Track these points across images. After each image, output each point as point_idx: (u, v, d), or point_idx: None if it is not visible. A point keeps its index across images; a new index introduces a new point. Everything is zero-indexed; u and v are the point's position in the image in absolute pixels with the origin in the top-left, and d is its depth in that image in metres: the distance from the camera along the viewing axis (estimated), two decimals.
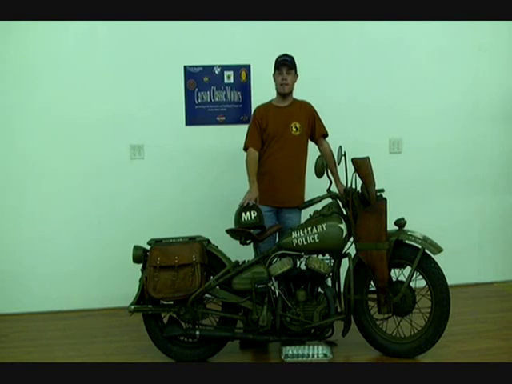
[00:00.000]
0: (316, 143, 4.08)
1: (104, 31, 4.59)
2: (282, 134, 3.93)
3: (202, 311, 3.56)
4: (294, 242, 3.54)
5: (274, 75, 3.98)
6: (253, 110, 4.20)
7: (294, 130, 3.95)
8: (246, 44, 4.73)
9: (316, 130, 4.03)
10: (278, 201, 3.96)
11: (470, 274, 5.09)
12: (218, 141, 4.75)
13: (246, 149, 3.99)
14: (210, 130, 4.77)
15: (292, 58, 3.95)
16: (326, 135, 4.07)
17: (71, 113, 4.60)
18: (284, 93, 3.94)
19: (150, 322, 3.60)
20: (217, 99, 4.77)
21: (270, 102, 4.06)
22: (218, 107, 4.77)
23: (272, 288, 3.55)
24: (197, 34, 4.67)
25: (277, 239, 3.90)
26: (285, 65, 3.89)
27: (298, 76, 3.99)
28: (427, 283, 3.49)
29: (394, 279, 3.56)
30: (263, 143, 3.97)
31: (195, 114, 4.75)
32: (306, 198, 3.96)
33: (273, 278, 3.56)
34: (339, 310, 3.58)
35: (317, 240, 3.50)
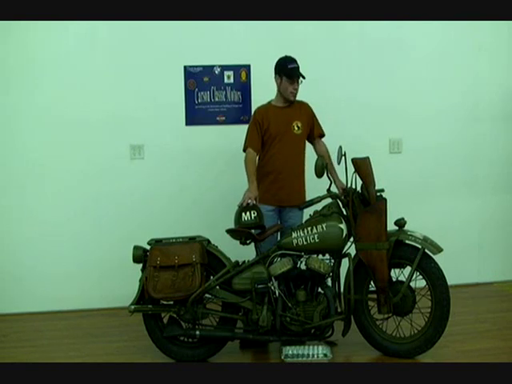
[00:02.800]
0: (312, 143, 4.08)
1: (104, 31, 4.59)
2: (283, 133, 3.94)
3: (202, 311, 3.56)
4: (294, 241, 3.54)
5: (276, 78, 3.94)
6: (253, 110, 4.19)
7: (296, 128, 3.96)
8: (246, 44, 4.73)
9: (314, 130, 4.04)
10: (281, 199, 3.97)
11: (470, 274, 5.09)
12: (218, 141, 4.75)
13: (245, 150, 3.99)
14: (210, 130, 4.77)
15: (299, 65, 3.92)
16: (323, 135, 4.07)
17: (71, 113, 4.60)
18: (292, 101, 3.95)
19: (150, 322, 3.60)
20: (217, 99, 4.77)
21: (270, 102, 4.06)
22: (217, 107, 4.78)
23: (272, 288, 3.55)
24: (197, 34, 4.68)
25: (278, 239, 3.91)
26: (297, 75, 3.87)
27: None
28: (427, 283, 3.49)
29: (394, 279, 3.56)
30: (264, 144, 3.97)
31: (195, 114, 4.75)
32: (306, 198, 3.96)
33: (273, 278, 3.56)
34: (339, 310, 3.58)
35: (317, 240, 3.51)
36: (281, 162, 3.94)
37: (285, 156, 3.94)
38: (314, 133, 4.04)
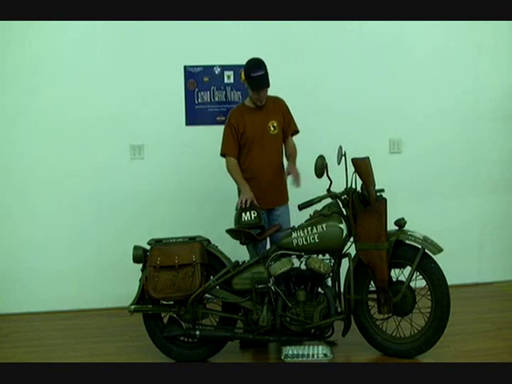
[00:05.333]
0: (284, 141, 4.04)
1: (104, 31, 4.59)
2: (261, 135, 3.91)
3: (202, 311, 3.56)
4: (294, 242, 3.54)
5: (245, 82, 3.85)
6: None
7: (272, 129, 3.94)
8: (246, 44, 4.72)
9: (289, 128, 4.01)
10: (268, 202, 3.96)
11: (470, 274, 5.09)
12: (218, 141, 4.72)
13: (223, 155, 3.98)
14: (210, 130, 4.76)
15: (264, 71, 3.77)
16: (296, 132, 4.06)
17: (71, 113, 4.60)
18: (261, 106, 3.91)
19: (150, 322, 3.60)
20: (217, 99, 4.77)
21: (243, 103, 4.03)
22: (217, 107, 4.77)
23: (272, 288, 3.55)
24: (197, 34, 4.68)
25: (268, 241, 3.93)
26: (261, 86, 3.77)
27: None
28: (427, 283, 3.49)
29: (394, 279, 3.56)
30: (242, 147, 3.95)
31: (195, 114, 4.75)
32: (305, 198, 3.95)
33: (273, 278, 3.56)
34: (339, 310, 3.58)
35: (317, 240, 3.50)
36: (262, 165, 3.93)
37: (265, 158, 3.92)
38: (289, 130, 4.01)
